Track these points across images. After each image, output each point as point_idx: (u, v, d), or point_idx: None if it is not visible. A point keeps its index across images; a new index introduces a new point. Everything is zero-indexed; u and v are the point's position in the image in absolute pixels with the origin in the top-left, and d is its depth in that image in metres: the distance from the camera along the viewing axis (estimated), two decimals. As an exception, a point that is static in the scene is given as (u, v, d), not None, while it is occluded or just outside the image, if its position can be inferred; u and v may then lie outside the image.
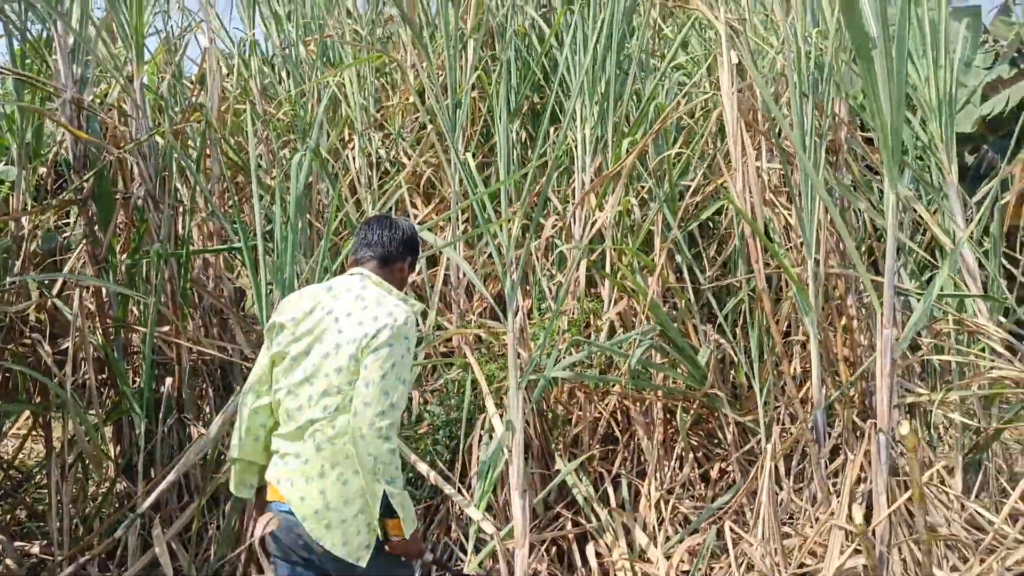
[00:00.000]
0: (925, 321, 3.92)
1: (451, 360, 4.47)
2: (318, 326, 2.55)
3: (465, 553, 3.71)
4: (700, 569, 3.58)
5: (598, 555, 3.86)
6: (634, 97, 4.90)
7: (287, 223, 3.74)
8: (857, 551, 3.17)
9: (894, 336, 3.23)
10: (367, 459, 2.39)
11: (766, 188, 4.41)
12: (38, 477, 4.89)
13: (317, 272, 3.95)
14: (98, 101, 4.69)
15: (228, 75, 5.89)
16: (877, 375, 3.25)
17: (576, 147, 4.65)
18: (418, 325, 2.87)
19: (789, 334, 4.73)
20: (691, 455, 4.48)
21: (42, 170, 4.89)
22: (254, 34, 5.47)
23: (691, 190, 4.67)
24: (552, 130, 4.56)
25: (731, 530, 3.68)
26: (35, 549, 4.47)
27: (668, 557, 3.78)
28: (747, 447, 4.37)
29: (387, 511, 2.45)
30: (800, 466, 4.40)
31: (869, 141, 4.98)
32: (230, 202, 4.98)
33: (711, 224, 5.30)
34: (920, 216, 4.43)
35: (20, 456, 5.15)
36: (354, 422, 2.41)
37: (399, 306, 2.54)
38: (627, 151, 4.34)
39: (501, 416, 3.82)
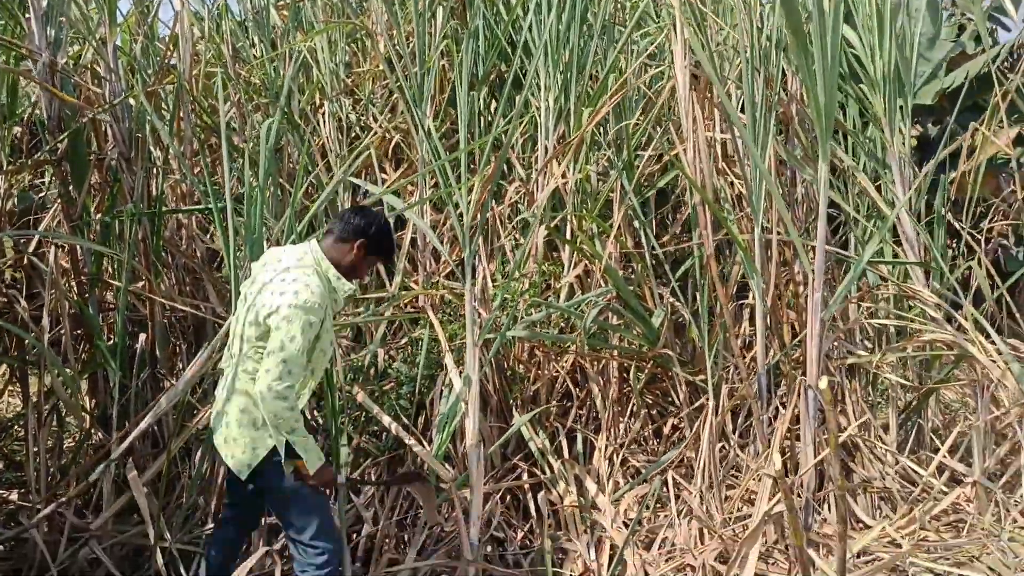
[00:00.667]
0: (855, 284, 4.15)
1: (415, 317, 4.66)
2: (248, 296, 3.11)
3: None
4: (645, 515, 3.82)
5: (550, 503, 4.10)
6: (597, 67, 5.06)
7: (257, 185, 3.89)
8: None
9: (823, 298, 3.45)
10: (269, 416, 2.94)
11: (718, 157, 4.60)
12: (14, 429, 5.05)
13: (285, 233, 4.12)
14: (71, 63, 4.79)
15: (200, 39, 5.98)
16: (808, 335, 3.47)
17: (540, 115, 4.81)
18: (345, 303, 3.24)
19: (744, 299, 4.96)
20: (644, 412, 4.72)
21: (17, 130, 4.99)
22: (226, -2, 5.56)
23: (647, 159, 4.85)
24: (517, 99, 4.71)
25: (674, 480, 3.92)
26: (13, 496, 4.65)
27: (616, 504, 4.03)
28: (697, 404, 4.61)
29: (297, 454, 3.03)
30: (746, 423, 4.65)
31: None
32: (202, 164, 5.11)
33: (670, 191, 5.50)
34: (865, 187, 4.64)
35: (-2, 408, 5.32)
36: (257, 385, 2.93)
37: (307, 285, 2.95)
38: (587, 120, 4.51)
39: (460, 373, 4.02)
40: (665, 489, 4.13)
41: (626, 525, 3.93)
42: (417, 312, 4.90)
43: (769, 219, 4.42)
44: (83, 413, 4.39)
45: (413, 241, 4.97)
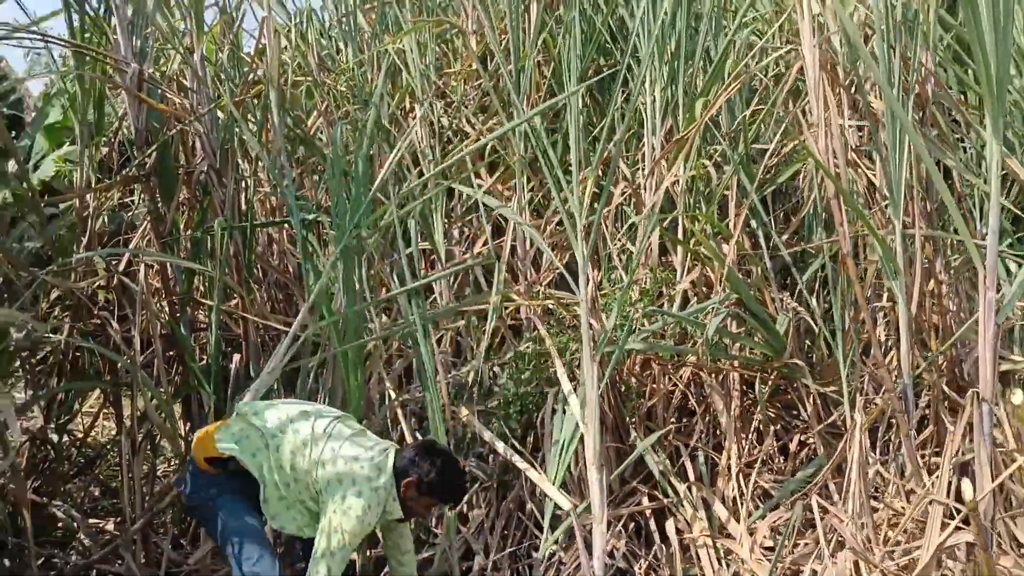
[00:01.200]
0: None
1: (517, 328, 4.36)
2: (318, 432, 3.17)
3: (541, 530, 3.61)
4: (786, 545, 3.42)
5: (678, 531, 3.73)
6: (705, 56, 4.69)
7: (348, 196, 3.65)
8: (959, 528, 2.99)
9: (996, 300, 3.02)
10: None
11: (848, 147, 4.18)
12: (110, 455, 4.91)
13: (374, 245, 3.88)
14: (158, 75, 4.64)
15: (286, 48, 5.81)
16: (980, 341, 3.04)
17: (645, 110, 4.46)
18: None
19: (869, 301, 4.51)
20: (770, 427, 4.32)
21: (105, 149, 4.86)
22: (310, 4, 5.36)
23: (768, 153, 4.45)
24: (620, 93, 4.37)
25: (818, 505, 3.51)
26: (109, 526, 4.50)
27: (751, 532, 3.64)
28: (830, 419, 4.19)
29: None
30: (885, 437, 4.21)
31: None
32: (292, 176, 4.92)
33: (782, 189, 5.08)
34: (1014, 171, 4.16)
35: (93, 433, 5.19)
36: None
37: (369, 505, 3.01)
38: (701, 112, 4.15)
39: (575, 389, 3.70)
40: (806, 514, 3.72)
41: (765, 555, 3.54)
42: (518, 325, 4.60)
43: (910, 213, 3.98)
44: (177, 438, 4.21)
45: (513, 249, 4.67)
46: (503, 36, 4.86)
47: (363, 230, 3.86)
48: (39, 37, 4.16)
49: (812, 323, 4.43)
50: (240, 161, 4.64)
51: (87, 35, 4.46)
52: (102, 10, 4.34)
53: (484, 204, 4.29)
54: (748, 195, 4.26)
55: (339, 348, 3.65)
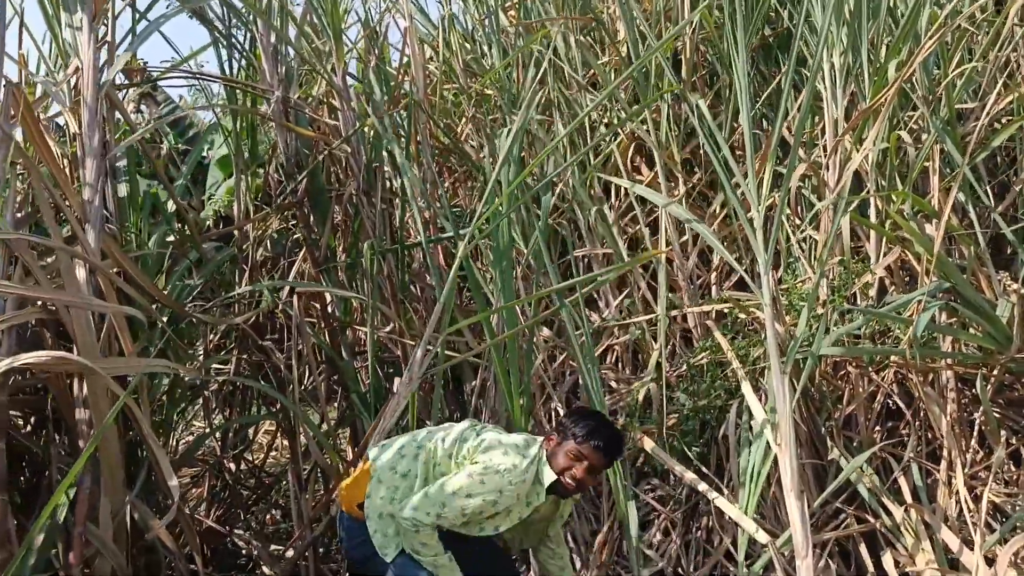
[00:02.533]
0: None
1: (688, 337, 3.96)
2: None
3: (733, 562, 3.21)
4: (1039, 582, 2.85)
5: (896, 562, 3.23)
6: (889, 14, 4.11)
7: (500, 205, 3.40)
8: None
9: None
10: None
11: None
12: (283, 483, 4.92)
13: (530, 253, 3.59)
14: (304, 98, 4.59)
15: (431, 58, 5.67)
16: None
17: (824, 79, 3.95)
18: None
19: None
20: (998, 432, 3.70)
21: (259, 180, 4.88)
22: (451, 9, 5.19)
23: (978, 114, 3.83)
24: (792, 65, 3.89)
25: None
26: (290, 553, 4.48)
27: (989, 563, 3.08)
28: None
29: None
30: None
31: None
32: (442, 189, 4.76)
33: (994, 155, 4.40)
34: None
35: (273, 455, 5.24)
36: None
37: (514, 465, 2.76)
38: (895, 74, 3.59)
39: (760, 399, 3.28)
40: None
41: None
42: (687, 333, 4.21)
43: None
44: (343, 464, 4.11)
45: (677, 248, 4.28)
46: (651, 17, 4.47)
47: (516, 239, 3.60)
48: (190, 74, 4.19)
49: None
50: (392, 179, 4.52)
51: (237, 67, 4.48)
52: (247, 40, 4.33)
53: (640, 199, 3.92)
54: (955, 165, 3.66)
55: (497, 363, 3.41)
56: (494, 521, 2.80)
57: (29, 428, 3.26)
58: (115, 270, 2.95)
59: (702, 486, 3.13)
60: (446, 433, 2.92)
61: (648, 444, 3.49)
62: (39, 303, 2.57)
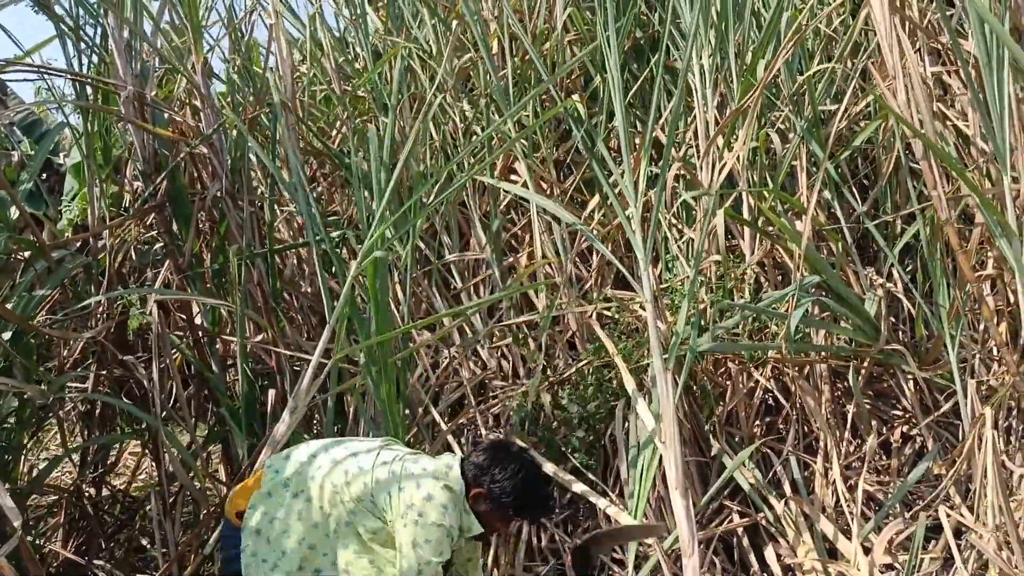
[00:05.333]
0: None
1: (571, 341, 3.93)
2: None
3: (623, 567, 3.18)
4: (914, 565, 2.92)
5: (778, 556, 3.26)
6: (754, 15, 4.21)
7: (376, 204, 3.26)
8: None
9: None
10: None
11: (932, 97, 3.67)
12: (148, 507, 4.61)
13: (409, 259, 3.47)
14: (164, 98, 4.32)
15: (302, 61, 5.47)
16: None
17: (695, 80, 4.00)
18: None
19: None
20: (870, 422, 3.82)
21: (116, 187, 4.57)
22: (320, 6, 5.01)
23: (838, 114, 3.95)
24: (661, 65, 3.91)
25: (946, 513, 3.00)
26: (159, 579, 4.20)
27: (866, 551, 3.15)
28: (941, 409, 3.69)
29: None
30: (1006, 423, 3.68)
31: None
32: (315, 192, 4.58)
33: (855, 155, 4.57)
34: None
35: (141, 477, 4.91)
36: None
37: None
38: (762, 74, 3.67)
39: (644, 399, 3.27)
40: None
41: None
42: (569, 337, 4.17)
43: (1016, 167, 3.45)
44: (206, 497, 3.83)
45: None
46: (524, 20, 4.44)
47: (392, 241, 3.47)
48: (32, 68, 3.87)
49: (907, 301, 3.92)
50: (258, 182, 4.31)
51: (88, 63, 4.17)
52: (98, 35, 4.04)
53: (520, 199, 3.86)
54: (820, 163, 3.77)
55: (366, 373, 3.26)
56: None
57: None
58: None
59: (593, 497, 3.07)
60: (354, 464, 2.62)
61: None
62: None
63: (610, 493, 3.30)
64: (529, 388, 3.62)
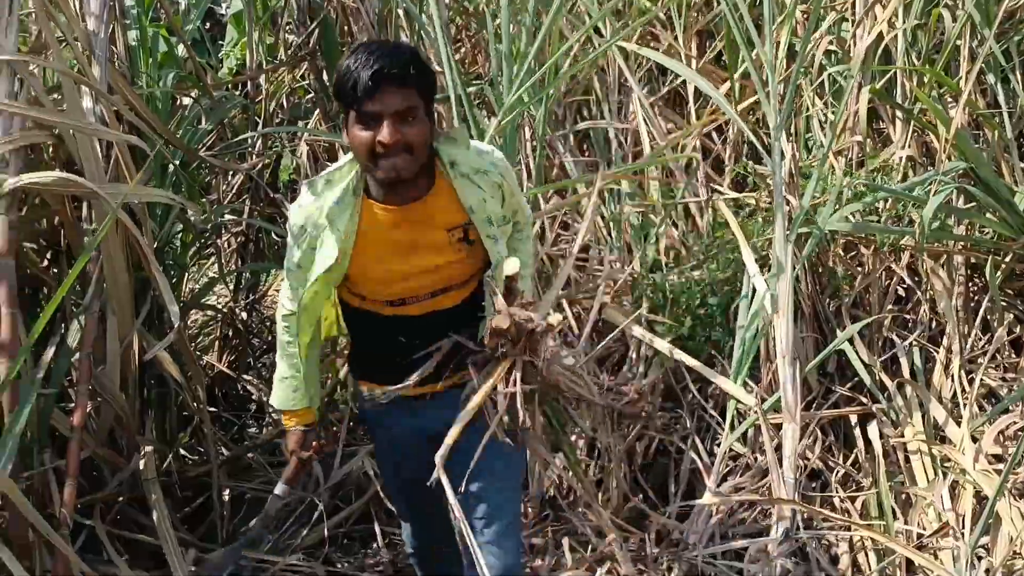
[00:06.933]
0: None
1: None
2: None
3: (721, 427, 3.27)
4: (1020, 457, 2.90)
5: (882, 435, 3.28)
6: None
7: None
8: None
9: None
10: None
11: None
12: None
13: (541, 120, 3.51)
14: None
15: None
16: None
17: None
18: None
19: None
20: (1002, 318, 3.69)
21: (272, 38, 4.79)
22: None
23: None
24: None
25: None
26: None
27: (974, 439, 3.13)
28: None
29: None
30: None
31: None
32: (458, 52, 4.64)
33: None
34: None
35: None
36: None
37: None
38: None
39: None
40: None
41: (992, 467, 3.03)
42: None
43: None
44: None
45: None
46: None
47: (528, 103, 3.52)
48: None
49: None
50: (405, 36, 4.41)
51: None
52: None
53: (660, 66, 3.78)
54: (984, 42, 3.53)
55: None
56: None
57: (45, 263, 3.31)
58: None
59: (684, 356, 3.13)
60: None
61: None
62: (47, 127, 2.58)
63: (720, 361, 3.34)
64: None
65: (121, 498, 2.96)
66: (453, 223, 2.08)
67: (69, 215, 2.75)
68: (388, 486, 2.80)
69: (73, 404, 2.78)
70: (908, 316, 3.86)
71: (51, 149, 2.90)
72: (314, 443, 2.37)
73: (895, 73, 3.84)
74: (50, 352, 2.63)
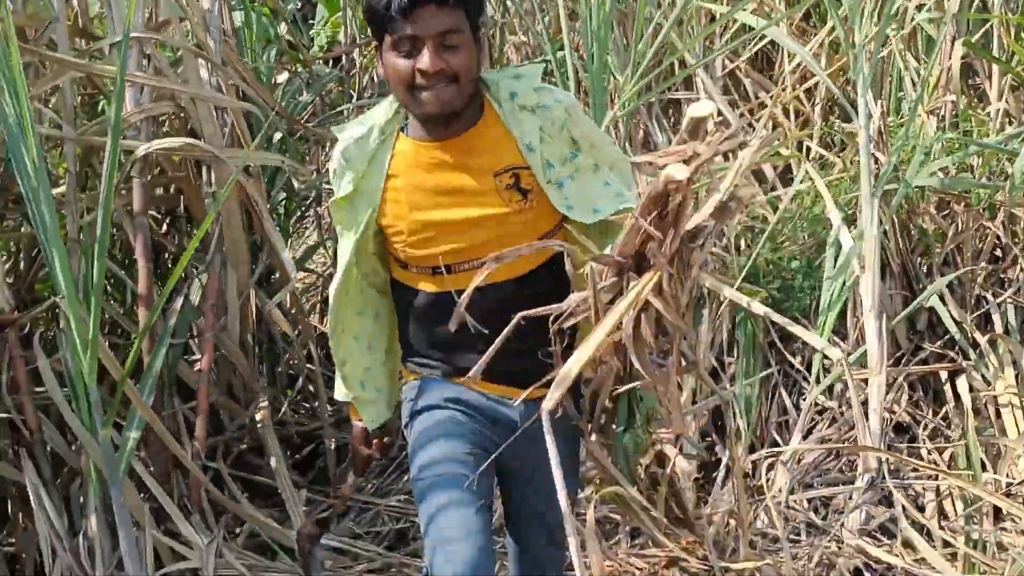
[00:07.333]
0: None
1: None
2: None
3: (807, 381, 3.32)
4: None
5: (972, 388, 3.27)
6: None
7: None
8: None
9: None
10: None
11: None
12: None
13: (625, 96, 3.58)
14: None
15: None
16: None
17: None
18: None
19: None
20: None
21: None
22: None
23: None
24: None
25: None
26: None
27: (1069, 394, 3.11)
28: None
29: None
30: None
31: None
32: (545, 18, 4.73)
33: None
34: None
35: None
36: None
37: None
38: None
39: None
40: None
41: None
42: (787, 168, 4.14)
43: None
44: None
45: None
46: None
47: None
48: None
49: None
50: (493, 8, 4.53)
51: None
52: None
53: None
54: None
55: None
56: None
57: (164, 229, 3.59)
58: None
59: (771, 313, 3.17)
60: None
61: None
62: (171, 98, 2.83)
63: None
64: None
65: (241, 444, 3.22)
66: (502, 165, 1.74)
67: (192, 180, 2.99)
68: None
69: (195, 357, 3.03)
70: (1002, 276, 3.82)
71: (171, 121, 3.15)
72: (375, 440, 2.01)
73: (991, 25, 3.77)
74: (176, 305, 2.88)
